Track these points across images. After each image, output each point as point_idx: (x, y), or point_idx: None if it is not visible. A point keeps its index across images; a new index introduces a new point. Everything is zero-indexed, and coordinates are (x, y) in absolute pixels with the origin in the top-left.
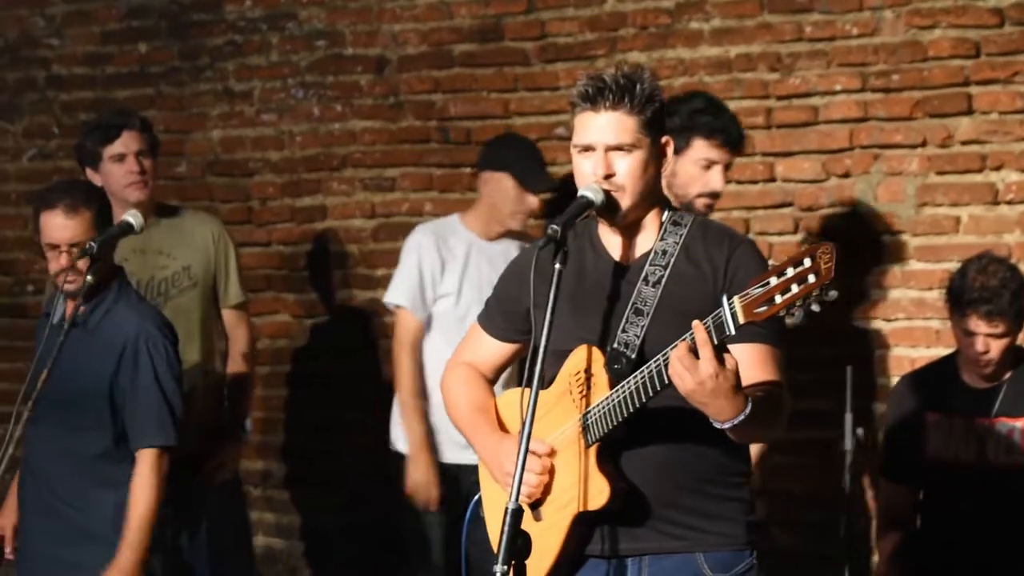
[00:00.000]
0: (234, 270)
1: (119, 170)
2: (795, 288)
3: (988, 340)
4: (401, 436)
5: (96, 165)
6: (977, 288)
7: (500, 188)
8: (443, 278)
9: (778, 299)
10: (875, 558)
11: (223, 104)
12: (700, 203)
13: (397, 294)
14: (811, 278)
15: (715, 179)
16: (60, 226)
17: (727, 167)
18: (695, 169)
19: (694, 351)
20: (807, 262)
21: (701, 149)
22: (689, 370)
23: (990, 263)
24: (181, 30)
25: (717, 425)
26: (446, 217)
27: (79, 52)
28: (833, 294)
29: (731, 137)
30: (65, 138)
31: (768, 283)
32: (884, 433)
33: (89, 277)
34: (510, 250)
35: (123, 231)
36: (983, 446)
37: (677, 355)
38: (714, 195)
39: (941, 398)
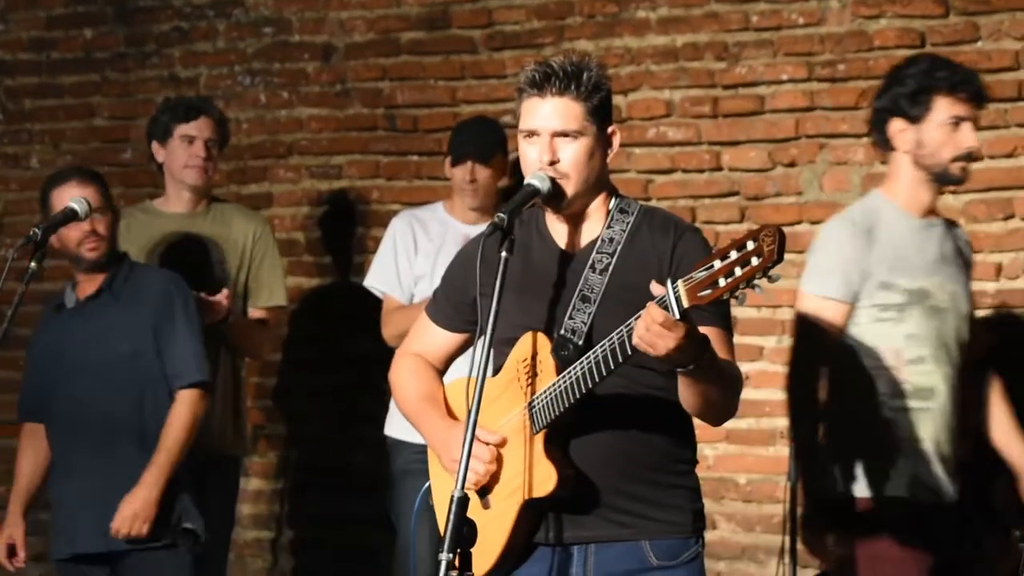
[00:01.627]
0: (271, 272)
1: (184, 151)
2: (738, 271)
3: None
4: (397, 422)
5: (164, 140)
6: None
7: (449, 169)
8: (416, 260)
9: (722, 282)
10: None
11: (169, 90)
12: (956, 168)
13: (372, 278)
14: (754, 260)
15: (968, 136)
16: (76, 196)
17: (976, 124)
18: (942, 132)
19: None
20: (750, 244)
21: (945, 107)
22: (661, 337)
23: None
24: (127, 16)
25: (680, 370)
26: (432, 204)
27: (23, 37)
28: (776, 275)
29: (976, 88)
30: (9, 123)
31: (712, 266)
32: None
33: (33, 264)
34: None
35: (67, 218)
36: None
37: (646, 324)
38: (971, 156)
39: None
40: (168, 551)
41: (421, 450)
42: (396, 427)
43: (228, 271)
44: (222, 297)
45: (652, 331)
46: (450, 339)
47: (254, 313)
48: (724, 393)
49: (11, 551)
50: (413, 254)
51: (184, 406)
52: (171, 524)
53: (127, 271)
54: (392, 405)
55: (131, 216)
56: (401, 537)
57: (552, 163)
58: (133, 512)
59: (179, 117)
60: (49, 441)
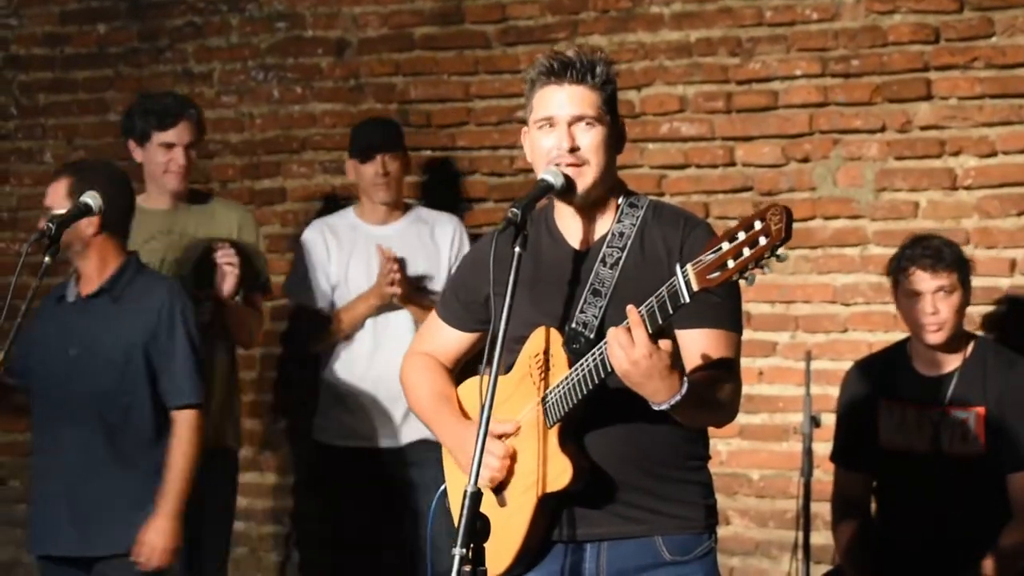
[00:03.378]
0: (256, 259)
1: (164, 157)
2: (747, 251)
3: (936, 298)
4: (330, 426)
5: (142, 143)
6: (916, 244)
7: (353, 172)
8: (330, 268)
9: (730, 263)
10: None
11: (182, 86)
12: None
13: (290, 288)
14: (762, 240)
15: None
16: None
17: None
18: None
19: (630, 332)
20: (758, 224)
21: None
22: (624, 349)
23: (928, 235)
24: (140, 11)
25: (655, 407)
26: (344, 209)
27: (38, 32)
28: (784, 255)
29: None
30: (23, 118)
31: (720, 248)
32: (836, 420)
33: (47, 259)
34: (408, 230)
35: (81, 212)
36: (937, 435)
37: (613, 335)
38: None
39: (893, 386)
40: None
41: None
42: (323, 432)
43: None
44: (225, 262)
45: (619, 341)
46: (461, 339)
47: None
48: (711, 415)
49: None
50: (327, 262)
51: (187, 429)
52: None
53: (132, 274)
54: (320, 409)
55: None
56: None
57: (572, 150)
58: (163, 545)
59: (157, 124)
60: (33, 429)
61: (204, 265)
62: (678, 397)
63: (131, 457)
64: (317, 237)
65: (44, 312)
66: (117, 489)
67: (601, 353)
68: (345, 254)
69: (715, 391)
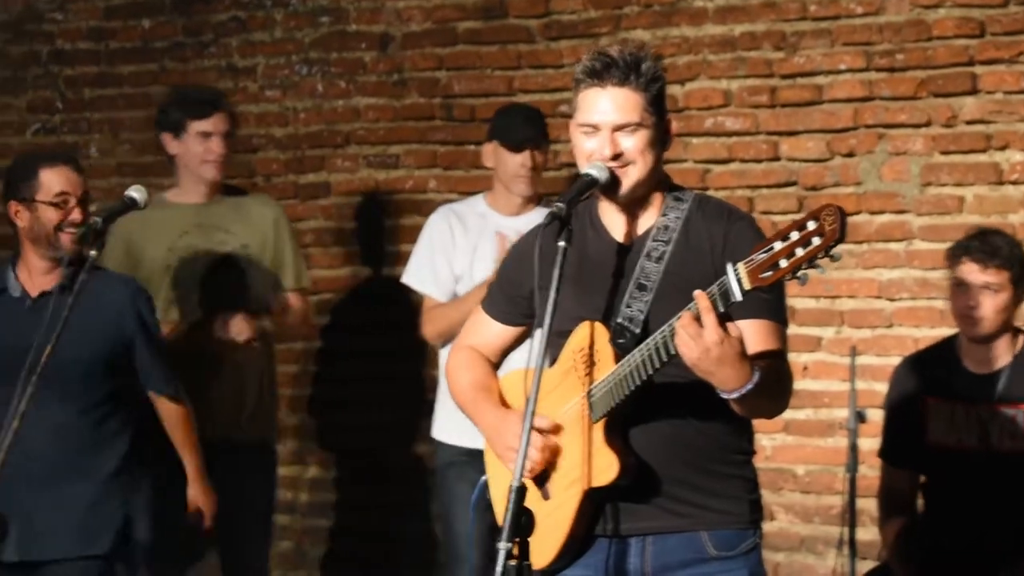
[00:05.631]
0: (294, 255)
1: (201, 147)
2: (800, 251)
3: (981, 293)
4: (441, 424)
5: (178, 134)
6: (976, 236)
7: (494, 157)
8: (455, 258)
9: (783, 263)
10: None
11: (227, 80)
12: None
13: (410, 275)
14: (816, 240)
15: None
16: (75, 180)
17: None
18: None
19: (699, 319)
20: (811, 224)
21: None
22: (694, 338)
23: (994, 231)
24: (185, 5)
25: (724, 395)
26: (473, 196)
27: (83, 27)
28: (838, 255)
29: None
30: (68, 112)
31: (772, 247)
32: (884, 417)
33: (93, 252)
34: (538, 221)
35: (127, 207)
36: (986, 432)
37: (682, 323)
38: None
39: (941, 382)
40: (104, 562)
41: (464, 451)
42: (440, 429)
43: (252, 256)
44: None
45: (689, 330)
46: (505, 332)
47: (289, 299)
48: (773, 404)
49: None
50: (451, 251)
51: (168, 410)
52: (114, 533)
53: (87, 272)
54: (438, 407)
55: (147, 212)
56: (449, 527)
57: (615, 156)
58: (208, 513)
59: (195, 113)
60: None
61: (218, 279)
62: (750, 385)
63: (82, 461)
64: (443, 223)
65: None
66: (90, 487)
67: (649, 348)
68: (471, 243)
69: (776, 379)
